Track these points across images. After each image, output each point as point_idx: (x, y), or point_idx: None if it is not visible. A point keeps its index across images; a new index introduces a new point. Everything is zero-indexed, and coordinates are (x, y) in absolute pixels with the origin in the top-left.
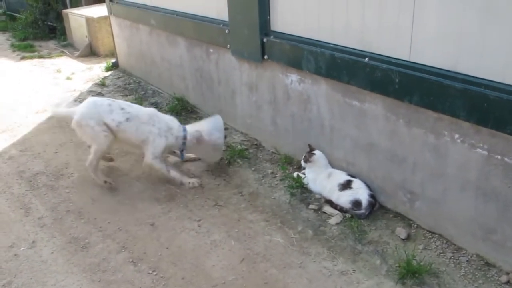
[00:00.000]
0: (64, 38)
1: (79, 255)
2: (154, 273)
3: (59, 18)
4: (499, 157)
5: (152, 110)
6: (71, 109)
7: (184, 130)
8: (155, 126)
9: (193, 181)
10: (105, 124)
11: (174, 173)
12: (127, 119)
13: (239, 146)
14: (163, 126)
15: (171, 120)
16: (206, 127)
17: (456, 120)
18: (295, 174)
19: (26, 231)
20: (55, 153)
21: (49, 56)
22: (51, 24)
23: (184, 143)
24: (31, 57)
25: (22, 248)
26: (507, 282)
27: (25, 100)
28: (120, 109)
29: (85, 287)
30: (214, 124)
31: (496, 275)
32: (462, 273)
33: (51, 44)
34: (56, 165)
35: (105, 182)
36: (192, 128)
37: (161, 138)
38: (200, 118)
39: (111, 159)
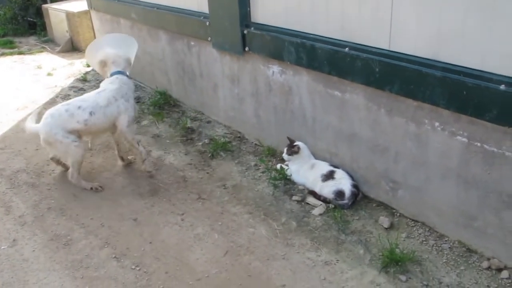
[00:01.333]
0: (45, 34)
1: (61, 252)
2: (138, 268)
3: (39, 13)
4: (479, 144)
5: (107, 90)
6: (35, 126)
7: (119, 73)
8: (119, 100)
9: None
10: (72, 131)
11: (142, 149)
12: (91, 113)
13: (222, 139)
14: (123, 92)
15: (120, 79)
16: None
17: (436, 108)
18: (278, 166)
19: (7, 229)
20: (36, 150)
21: (29, 52)
22: (31, 19)
23: (129, 77)
24: (11, 54)
25: (2, 247)
26: (488, 268)
27: (5, 97)
28: (78, 108)
29: (68, 284)
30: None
31: (477, 261)
32: (444, 260)
33: (32, 40)
34: (37, 162)
35: (91, 188)
36: (117, 64)
37: (129, 101)
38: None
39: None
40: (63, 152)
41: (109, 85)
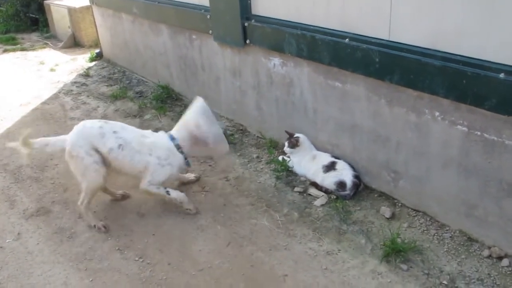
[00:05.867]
0: (47, 30)
1: (65, 245)
2: (141, 260)
3: (41, 9)
4: (479, 133)
5: (150, 139)
6: (60, 137)
7: (172, 139)
8: (152, 156)
9: (193, 206)
10: (98, 152)
11: (175, 194)
12: (120, 146)
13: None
14: (162, 154)
15: (168, 143)
16: (195, 124)
17: (436, 97)
18: (280, 158)
19: (11, 223)
20: None
21: (32, 48)
22: (33, 15)
23: (182, 152)
24: (14, 50)
25: (7, 240)
26: (489, 256)
27: (9, 93)
28: (113, 133)
29: (72, 276)
30: (203, 115)
31: (478, 249)
32: (445, 249)
33: (34, 36)
34: (40, 157)
35: (94, 226)
36: (180, 131)
37: (164, 167)
38: (185, 106)
39: (124, 197)
40: (81, 172)
41: (161, 142)
